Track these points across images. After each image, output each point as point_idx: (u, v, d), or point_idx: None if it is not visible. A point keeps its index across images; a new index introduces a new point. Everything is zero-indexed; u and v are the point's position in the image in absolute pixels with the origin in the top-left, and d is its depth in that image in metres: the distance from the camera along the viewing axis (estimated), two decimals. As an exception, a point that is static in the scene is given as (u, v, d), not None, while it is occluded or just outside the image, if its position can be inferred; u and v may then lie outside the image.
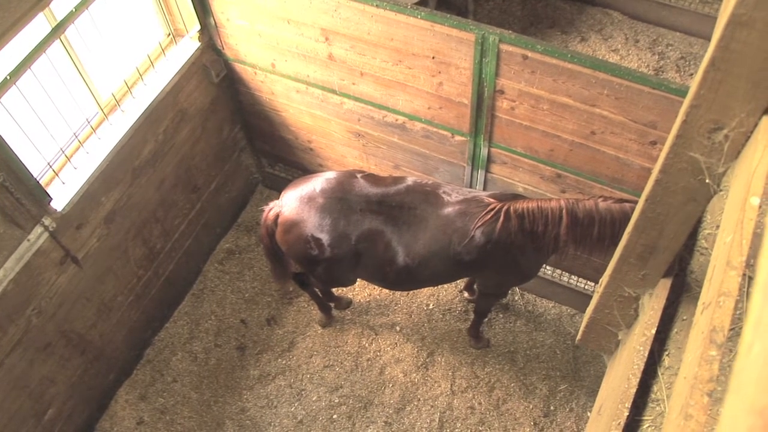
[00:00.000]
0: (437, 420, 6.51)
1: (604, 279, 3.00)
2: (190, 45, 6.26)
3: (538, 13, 9.23)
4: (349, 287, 7.04)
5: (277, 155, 7.55)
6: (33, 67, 4.89)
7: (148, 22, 6.11)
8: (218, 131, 7.03)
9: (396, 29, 5.23)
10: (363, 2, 5.19)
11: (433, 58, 5.29)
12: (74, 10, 5.08)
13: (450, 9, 8.95)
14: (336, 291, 7.10)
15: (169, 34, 6.24)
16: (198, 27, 6.17)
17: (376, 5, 5.15)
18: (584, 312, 3.49)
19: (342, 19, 5.39)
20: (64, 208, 5.40)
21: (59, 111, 5.31)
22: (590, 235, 5.08)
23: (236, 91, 6.86)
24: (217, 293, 7.41)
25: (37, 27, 4.89)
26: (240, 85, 6.75)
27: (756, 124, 1.97)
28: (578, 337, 3.52)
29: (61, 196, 5.43)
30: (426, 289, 7.21)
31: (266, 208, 5.85)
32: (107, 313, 6.26)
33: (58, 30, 5.03)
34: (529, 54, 4.89)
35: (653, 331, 2.74)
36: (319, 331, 7.11)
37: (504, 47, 4.93)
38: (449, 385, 6.69)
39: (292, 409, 6.67)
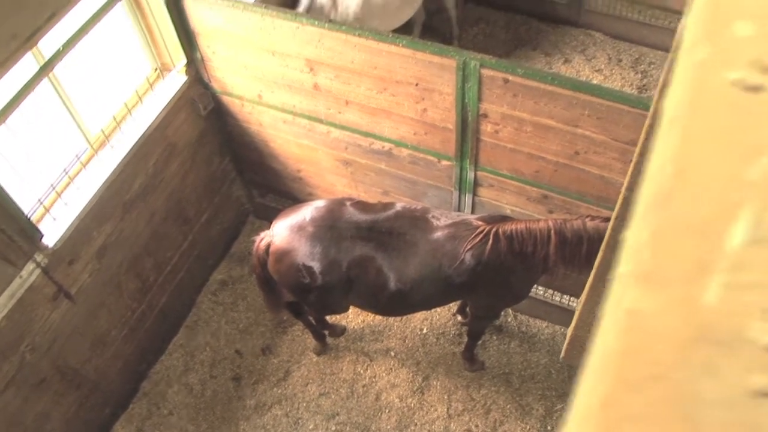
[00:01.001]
0: (434, 444, 6.51)
1: (583, 296, 3.05)
2: (177, 79, 6.33)
3: (521, 36, 9.34)
4: (342, 314, 7.07)
5: (267, 185, 7.61)
6: (22, 104, 4.94)
7: (135, 58, 6.19)
8: (208, 163, 7.09)
9: (379, 58, 5.31)
10: (345, 32, 5.28)
11: (417, 84, 5.36)
12: (61, 48, 5.15)
13: (435, 35, 9.05)
14: (330, 318, 7.11)
15: (156, 69, 6.32)
16: (185, 61, 6.25)
17: (359, 35, 5.23)
18: (573, 330, 3.53)
19: (326, 49, 5.47)
20: (55, 244, 5.43)
21: (49, 147, 5.36)
22: (579, 254, 5.13)
23: (224, 123, 6.93)
24: (211, 324, 7.42)
25: (26, 65, 4.95)
26: (228, 117, 6.81)
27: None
28: (562, 354, 3.56)
29: (52, 232, 5.46)
30: (419, 313, 7.23)
31: (257, 238, 5.90)
32: (101, 347, 6.28)
33: (46, 68, 5.09)
34: (510, 77, 4.96)
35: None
36: (314, 359, 7.12)
37: (485, 72, 5.01)
38: (446, 409, 6.69)
39: (289, 438, 6.67)
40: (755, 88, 0.59)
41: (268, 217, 7.71)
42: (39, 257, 5.30)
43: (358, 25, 5.22)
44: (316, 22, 5.34)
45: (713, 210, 0.59)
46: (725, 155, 0.59)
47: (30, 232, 5.19)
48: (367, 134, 6.07)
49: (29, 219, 5.20)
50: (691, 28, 0.62)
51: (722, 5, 0.60)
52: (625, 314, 0.61)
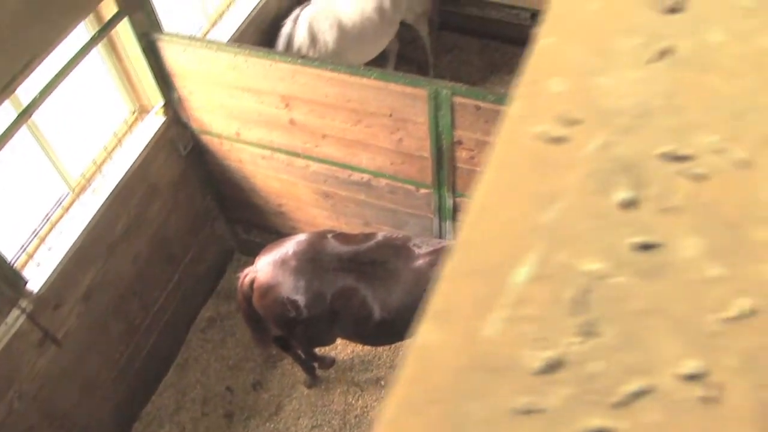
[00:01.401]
0: (428, 471, 6.49)
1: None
2: (155, 120, 6.39)
3: (496, 62, 9.45)
4: (331, 346, 7.08)
5: (250, 221, 7.65)
6: (1, 152, 4.98)
7: (113, 101, 6.24)
8: (190, 202, 7.13)
9: (352, 91, 5.39)
10: (318, 67, 5.36)
11: (391, 115, 5.44)
12: (39, 95, 5.19)
13: (410, 64, 9.16)
14: (319, 350, 7.12)
15: (135, 111, 6.37)
16: (162, 102, 6.30)
17: (331, 69, 5.31)
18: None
19: (299, 84, 5.55)
20: (40, 290, 5.43)
21: (30, 194, 5.40)
22: (561, 274, 5.19)
23: (205, 162, 6.98)
24: (201, 362, 7.42)
25: (4, 113, 5.00)
26: (208, 155, 6.87)
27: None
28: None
29: (36, 278, 5.46)
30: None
31: (241, 275, 5.94)
32: (91, 390, 6.26)
33: (24, 115, 5.13)
34: (481, 104, 5.05)
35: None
36: (305, 392, 7.12)
37: (457, 100, 5.10)
38: (437, 436, 6.68)
39: (283, 472, 6.65)
40: (557, 140, 0.65)
41: (253, 253, 7.72)
42: (24, 303, 5.31)
43: (331, 60, 5.30)
44: (289, 59, 5.43)
45: (502, 253, 0.66)
46: (520, 203, 0.66)
47: (13, 279, 5.21)
48: (345, 166, 6.14)
49: (12, 266, 5.22)
50: (517, 84, 0.69)
51: (543, 63, 0.66)
52: (417, 348, 0.70)
